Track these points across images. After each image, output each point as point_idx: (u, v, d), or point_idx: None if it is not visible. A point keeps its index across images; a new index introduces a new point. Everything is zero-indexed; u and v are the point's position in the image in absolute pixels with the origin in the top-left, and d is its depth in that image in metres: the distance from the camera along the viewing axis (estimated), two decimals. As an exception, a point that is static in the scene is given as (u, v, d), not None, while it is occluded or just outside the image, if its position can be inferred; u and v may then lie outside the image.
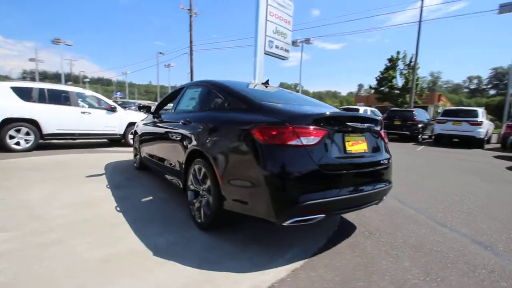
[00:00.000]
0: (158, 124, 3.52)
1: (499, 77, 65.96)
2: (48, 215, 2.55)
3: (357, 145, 2.10)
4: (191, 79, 26.54)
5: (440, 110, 27.18)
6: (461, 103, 59.24)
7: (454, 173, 5.73)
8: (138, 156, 4.56)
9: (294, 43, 21.85)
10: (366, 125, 2.22)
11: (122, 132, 7.42)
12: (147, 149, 4.02)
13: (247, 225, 2.50)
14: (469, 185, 4.69)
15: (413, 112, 12.76)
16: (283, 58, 20.97)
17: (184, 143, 2.67)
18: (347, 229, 2.58)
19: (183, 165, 2.68)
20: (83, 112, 6.64)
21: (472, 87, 75.15)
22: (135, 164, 4.71)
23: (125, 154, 6.15)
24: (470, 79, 74.97)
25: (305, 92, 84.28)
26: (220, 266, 1.86)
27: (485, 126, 10.74)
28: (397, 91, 27.59)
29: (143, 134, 4.17)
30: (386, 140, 2.52)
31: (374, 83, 30.00)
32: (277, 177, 1.75)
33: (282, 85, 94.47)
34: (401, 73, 28.62)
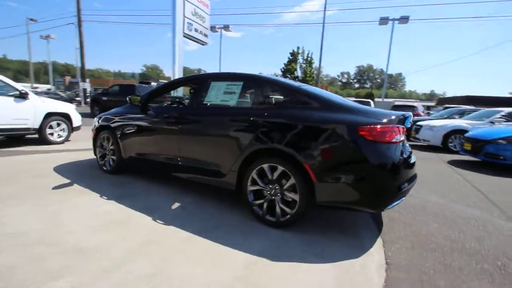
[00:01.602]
0: (171, 120, 3.05)
1: (361, 73, 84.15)
2: (98, 253, 1.92)
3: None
4: (81, 56, 21.96)
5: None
6: (337, 93, 72.71)
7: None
8: (110, 157, 3.76)
9: (212, 28, 21.20)
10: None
11: (37, 126, 5.69)
12: (143, 148, 3.41)
13: (303, 222, 2.64)
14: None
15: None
16: (202, 43, 20.20)
17: (242, 141, 2.51)
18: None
19: (238, 165, 2.54)
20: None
21: (344, 80, 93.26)
22: (104, 168, 3.86)
23: (57, 155, 4.86)
24: (342, 74, 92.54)
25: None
26: (338, 256, 2.01)
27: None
28: (300, 82, 31.35)
29: (134, 130, 3.46)
30: None
31: (278, 73, 33.00)
32: (386, 170, 2.03)
33: (184, 70, 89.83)
34: (300, 66, 32.54)
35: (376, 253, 2.10)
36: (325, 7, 17.61)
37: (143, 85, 14.38)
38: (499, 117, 7.41)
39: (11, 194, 2.84)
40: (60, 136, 6.17)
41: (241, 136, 2.54)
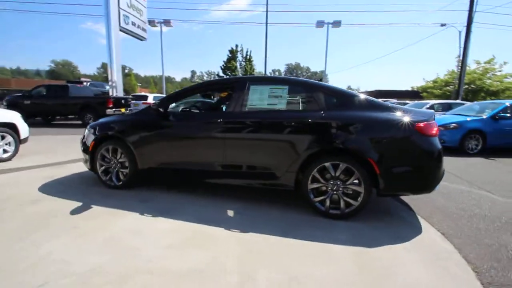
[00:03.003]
0: (213, 125, 2.91)
1: (290, 71, 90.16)
2: (217, 274, 1.80)
3: None
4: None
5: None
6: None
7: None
8: (119, 171, 3.34)
9: (151, 23, 19.56)
10: None
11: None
12: (171, 157, 3.14)
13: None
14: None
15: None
16: (141, 38, 18.82)
17: (300, 142, 2.63)
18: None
19: (297, 166, 2.66)
20: None
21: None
22: (110, 183, 3.39)
23: (19, 174, 4.02)
24: (273, 71, 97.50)
25: (137, 76, 76.39)
26: (407, 235, 2.37)
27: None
28: (240, 80, 31.76)
29: (157, 139, 3.16)
30: None
31: (213, 70, 32.82)
32: (437, 158, 2.46)
33: (104, 65, 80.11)
34: (240, 65, 33.00)
35: (428, 228, 2.55)
36: (267, 8, 18.34)
37: (77, 85, 12.48)
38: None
39: (24, 229, 2.31)
40: (6, 152, 5.00)
41: (299, 137, 2.66)
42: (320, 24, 18.79)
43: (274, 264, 1.89)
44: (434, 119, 2.60)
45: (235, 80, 3.21)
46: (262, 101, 2.90)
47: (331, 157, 2.59)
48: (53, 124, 11.71)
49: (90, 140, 3.47)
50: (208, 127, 2.96)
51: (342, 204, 2.60)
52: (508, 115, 6.63)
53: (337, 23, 18.70)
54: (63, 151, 5.87)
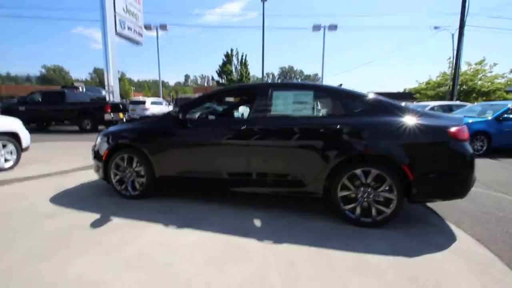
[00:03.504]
0: (236, 133, 2.83)
1: (284, 74, 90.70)
2: None
3: None
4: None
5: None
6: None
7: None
8: (135, 180, 3.22)
9: (146, 27, 19.36)
10: None
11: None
12: (190, 165, 3.04)
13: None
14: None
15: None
16: (137, 42, 18.58)
17: (330, 149, 2.57)
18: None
19: (326, 173, 2.60)
20: None
21: (269, 80, 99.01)
22: (126, 193, 3.27)
23: (25, 185, 3.86)
24: (267, 74, 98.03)
25: (130, 81, 75.43)
26: (444, 243, 2.32)
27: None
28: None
29: (175, 147, 3.07)
30: None
31: (204, 73, 32.80)
32: (470, 163, 2.42)
33: (97, 70, 79.09)
34: (235, 68, 33.00)
35: (462, 234, 2.50)
36: (263, 13, 18.39)
37: (74, 90, 12.24)
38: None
39: (45, 247, 2.18)
40: (8, 161, 4.81)
41: (328, 144, 2.60)
42: (316, 28, 18.97)
43: (317, 278, 1.82)
44: (464, 124, 2.57)
45: (256, 86, 3.13)
46: (286, 107, 2.84)
47: (361, 164, 2.53)
48: (49, 131, 11.42)
49: (103, 148, 3.34)
50: (231, 135, 2.88)
51: (373, 211, 2.54)
52: (511, 116, 6.72)
53: (333, 27, 18.90)
54: (66, 158, 5.70)
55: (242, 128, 2.82)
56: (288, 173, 2.75)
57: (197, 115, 3.81)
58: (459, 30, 17.36)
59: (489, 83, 23.03)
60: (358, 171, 2.53)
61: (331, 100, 2.79)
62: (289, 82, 3.24)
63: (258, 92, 2.95)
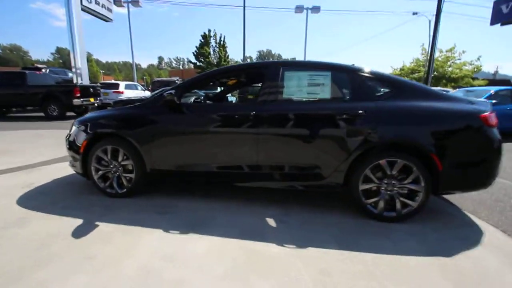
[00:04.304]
0: (243, 120, 2.45)
1: (262, 58, 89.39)
2: None
3: None
4: None
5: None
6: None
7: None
8: (122, 175, 2.77)
9: (116, 2, 17.55)
10: None
11: None
12: (189, 158, 2.64)
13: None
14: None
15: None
16: (106, 18, 17.11)
17: (352, 137, 2.30)
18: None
19: (347, 164, 2.34)
20: None
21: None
22: (111, 190, 2.81)
23: None
24: (245, 57, 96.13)
25: (97, 62, 70.10)
26: (469, 236, 2.18)
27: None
28: (215, 67, 30.55)
29: (170, 137, 2.63)
30: None
31: (180, 56, 31.31)
32: (499, 150, 2.26)
33: (60, 50, 72.56)
34: (214, 50, 31.70)
35: (484, 225, 2.39)
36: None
37: (36, 72, 10.89)
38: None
39: (21, 265, 1.72)
40: (-41, 154, 4.06)
41: (350, 132, 2.32)
42: (299, 9, 18.39)
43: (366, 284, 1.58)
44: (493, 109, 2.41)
45: (266, 64, 2.73)
46: (300, 90, 2.50)
47: (386, 154, 2.30)
48: (9, 118, 10.15)
49: (81, 139, 2.82)
50: (237, 123, 2.50)
51: (398, 205, 2.34)
52: (496, 101, 6.90)
53: (316, 9, 18.44)
54: (31, 150, 4.96)
55: (251, 114, 2.45)
56: (304, 165, 2.46)
57: (191, 99, 3.35)
58: (435, 16, 17.72)
59: (458, 70, 24.11)
60: (383, 162, 2.29)
61: (352, 82, 2.47)
62: (303, 61, 2.90)
63: (266, 73, 2.57)
